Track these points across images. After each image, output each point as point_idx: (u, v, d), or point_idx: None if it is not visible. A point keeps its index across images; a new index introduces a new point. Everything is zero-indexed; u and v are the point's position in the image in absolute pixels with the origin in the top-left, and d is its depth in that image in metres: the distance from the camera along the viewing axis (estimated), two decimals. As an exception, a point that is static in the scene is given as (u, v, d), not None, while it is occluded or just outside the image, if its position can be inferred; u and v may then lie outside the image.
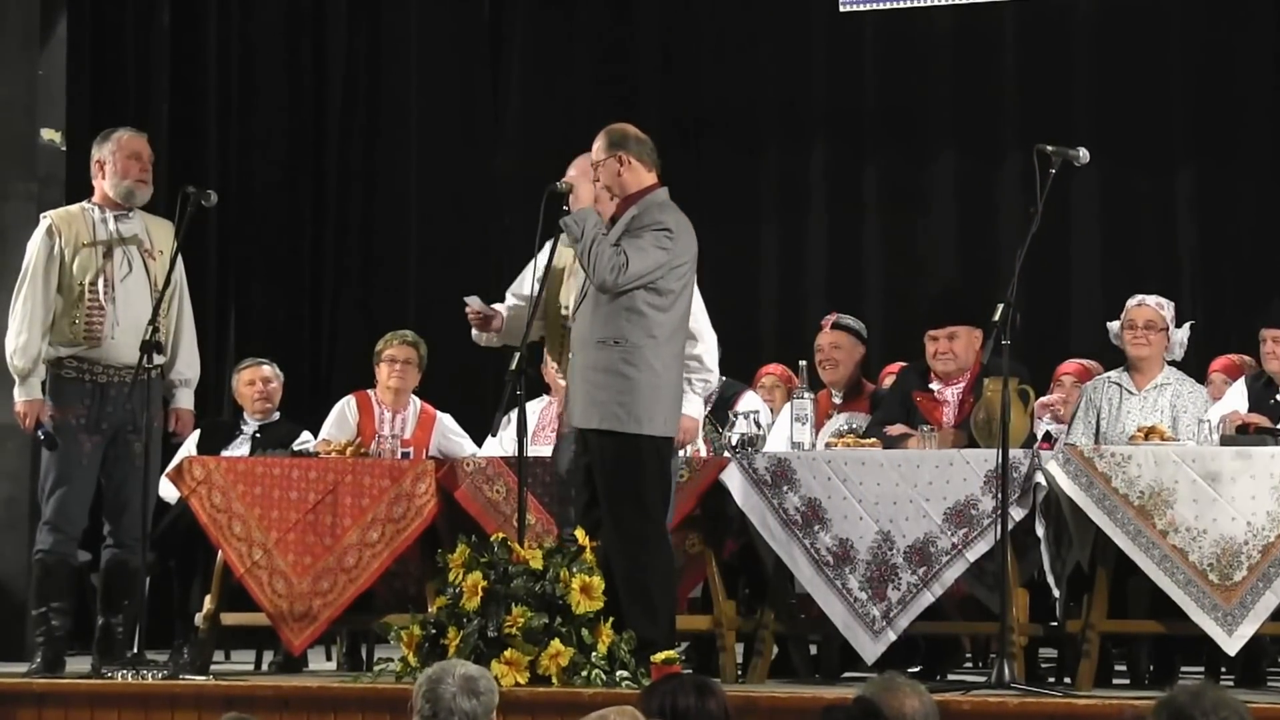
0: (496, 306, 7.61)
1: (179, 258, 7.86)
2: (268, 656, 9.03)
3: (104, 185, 7.95)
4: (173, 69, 11.17)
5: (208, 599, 8.09)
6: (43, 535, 7.83)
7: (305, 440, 8.82)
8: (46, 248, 7.83)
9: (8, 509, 9.17)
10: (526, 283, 7.48)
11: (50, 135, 9.74)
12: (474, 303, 7.52)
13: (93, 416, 7.77)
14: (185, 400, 8.05)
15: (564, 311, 7.38)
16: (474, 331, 7.62)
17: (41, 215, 8.07)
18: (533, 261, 7.47)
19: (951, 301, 8.17)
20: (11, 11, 9.77)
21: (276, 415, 9.26)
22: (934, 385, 7.88)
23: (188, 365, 8.05)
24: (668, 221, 7.07)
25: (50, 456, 7.82)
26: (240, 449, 9.00)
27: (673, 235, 7.05)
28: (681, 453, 7.55)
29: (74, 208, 7.99)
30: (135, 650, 7.59)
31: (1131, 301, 8.05)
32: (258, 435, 9.09)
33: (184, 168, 10.72)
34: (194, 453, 8.84)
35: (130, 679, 7.37)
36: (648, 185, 7.16)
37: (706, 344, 7.56)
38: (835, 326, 8.48)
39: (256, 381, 9.23)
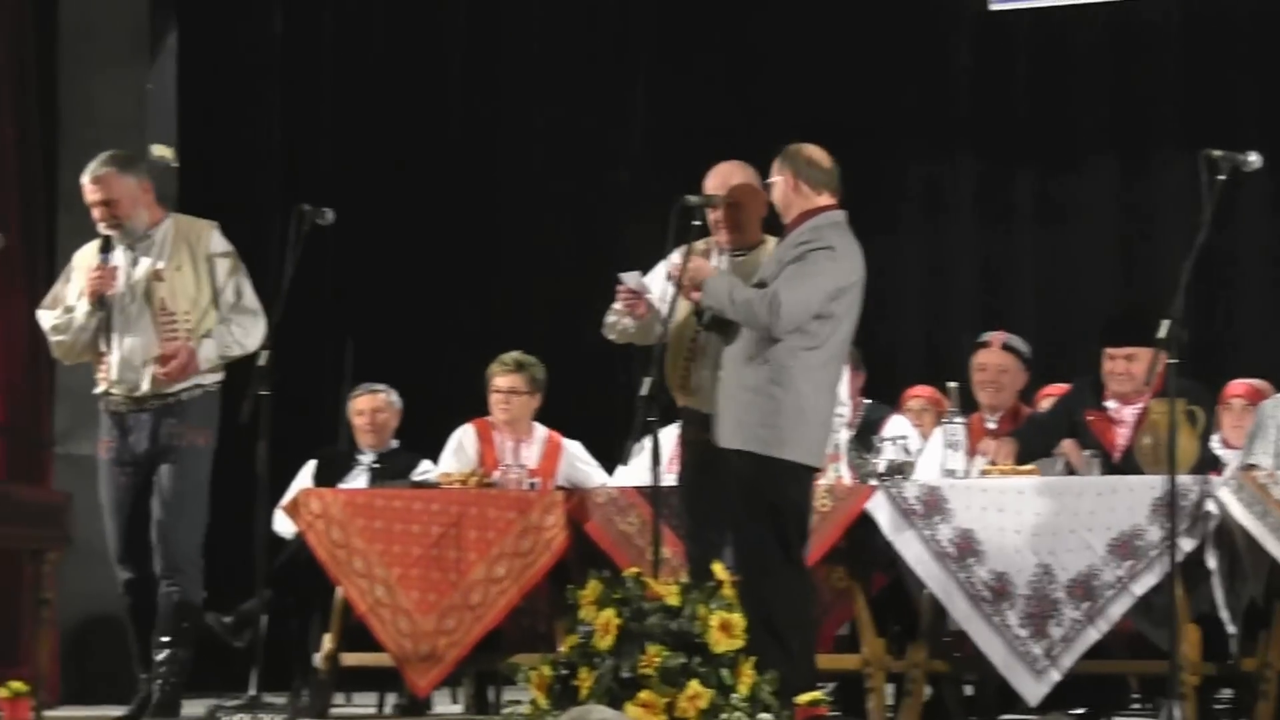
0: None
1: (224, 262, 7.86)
2: (390, 699, 9.07)
3: None
4: (285, 80, 11.26)
5: (327, 638, 8.16)
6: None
7: (426, 470, 8.87)
8: None
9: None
10: (655, 283, 7.44)
11: (161, 152, 9.78)
12: (630, 279, 7.33)
13: (118, 449, 7.85)
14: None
15: (696, 326, 7.36)
16: (610, 317, 7.48)
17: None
18: (661, 263, 7.47)
19: (1134, 322, 7.99)
20: (119, 23, 9.83)
21: (395, 444, 9.31)
22: (1109, 404, 7.81)
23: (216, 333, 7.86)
24: (833, 240, 7.07)
25: None
26: (358, 480, 9.07)
27: (835, 256, 7.05)
28: (821, 481, 7.55)
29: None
30: (253, 692, 7.63)
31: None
32: (376, 466, 9.15)
33: (298, 183, 10.82)
34: (310, 484, 8.94)
35: (247, 722, 7.45)
36: (821, 205, 7.16)
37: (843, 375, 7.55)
38: (1005, 348, 8.44)
39: (365, 411, 9.28)
